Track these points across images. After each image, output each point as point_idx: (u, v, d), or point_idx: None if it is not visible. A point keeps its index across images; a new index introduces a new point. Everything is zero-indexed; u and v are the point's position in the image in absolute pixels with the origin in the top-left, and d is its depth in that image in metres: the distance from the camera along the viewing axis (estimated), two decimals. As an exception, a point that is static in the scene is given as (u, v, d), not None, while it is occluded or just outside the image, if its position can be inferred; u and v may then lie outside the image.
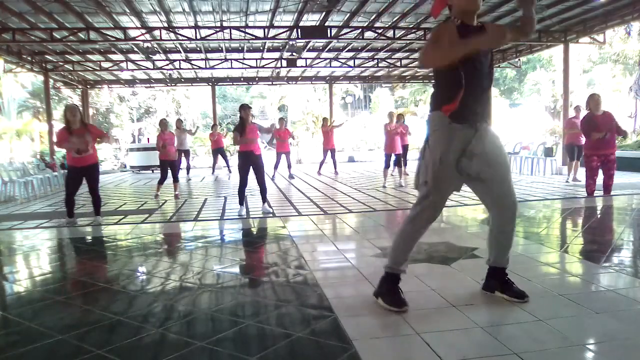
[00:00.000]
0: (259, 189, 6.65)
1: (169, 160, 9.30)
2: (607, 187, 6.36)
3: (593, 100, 6.30)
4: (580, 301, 2.46)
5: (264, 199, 6.65)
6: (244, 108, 6.65)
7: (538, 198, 7.53)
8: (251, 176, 6.64)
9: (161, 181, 9.16)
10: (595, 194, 6.56)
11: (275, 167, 12.14)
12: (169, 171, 9.43)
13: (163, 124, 9.52)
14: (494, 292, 2.55)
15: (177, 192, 9.19)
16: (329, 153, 13.04)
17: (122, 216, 7.07)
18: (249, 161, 6.50)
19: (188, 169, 13.34)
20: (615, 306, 2.40)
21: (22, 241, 4.91)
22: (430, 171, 2.38)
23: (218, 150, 13.90)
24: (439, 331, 2.15)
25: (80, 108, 18.89)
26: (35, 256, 4.18)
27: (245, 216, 6.52)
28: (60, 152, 16.14)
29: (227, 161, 13.91)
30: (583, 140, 7.17)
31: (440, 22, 2.50)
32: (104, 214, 6.48)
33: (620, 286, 2.77)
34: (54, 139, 5.97)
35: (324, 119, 13.87)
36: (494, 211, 2.49)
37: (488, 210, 2.53)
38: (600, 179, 6.53)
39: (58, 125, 19.69)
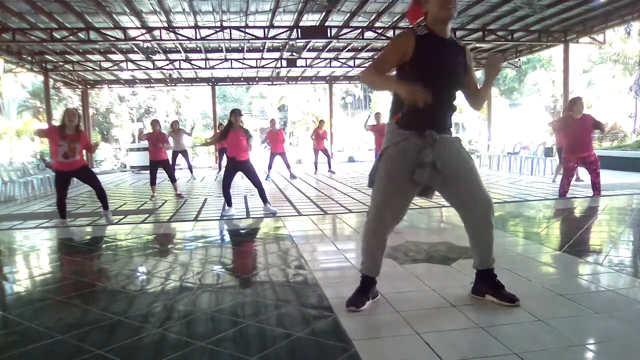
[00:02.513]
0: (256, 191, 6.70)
1: (159, 160, 9.24)
2: (595, 184, 6.38)
3: (576, 105, 6.36)
4: (580, 301, 2.46)
5: (264, 200, 6.66)
6: (233, 113, 6.75)
7: (538, 198, 7.54)
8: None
9: (152, 182, 9.14)
10: (568, 196, 6.60)
11: (269, 167, 12.16)
12: (164, 173, 9.43)
13: (154, 123, 9.53)
14: (484, 296, 2.51)
15: (178, 192, 9.18)
16: (320, 153, 13.13)
17: (122, 216, 7.07)
18: (233, 167, 6.63)
19: (190, 169, 13.33)
20: (615, 306, 2.40)
21: (22, 241, 4.91)
22: (378, 178, 2.45)
23: (224, 150, 13.87)
24: (439, 331, 2.15)
25: (80, 109, 18.96)
26: (35, 256, 4.18)
27: (245, 216, 6.52)
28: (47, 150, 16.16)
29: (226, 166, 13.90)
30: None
31: (401, 31, 2.50)
32: (103, 213, 6.46)
33: (620, 286, 2.77)
34: (59, 144, 5.97)
35: (321, 121, 13.94)
36: (462, 215, 2.50)
37: (459, 214, 2.54)
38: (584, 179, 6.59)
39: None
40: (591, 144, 6.41)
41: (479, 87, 2.56)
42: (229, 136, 6.59)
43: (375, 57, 2.53)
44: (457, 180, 2.42)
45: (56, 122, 17.22)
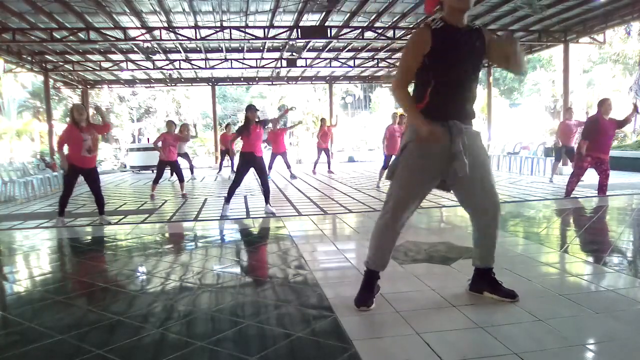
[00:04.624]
0: (262, 189, 6.70)
1: (168, 161, 9.30)
2: (602, 187, 6.37)
3: (605, 105, 6.33)
4: (580, 301, 2.46)
5: (267, 200, 6.67)
6: (251, 109, 6.67)
7: (538, 198, 7.54)
8: (251, 177, 6.70)
9: (156, 181, 9.18)
10: (574, 195, 6.60)
11: (269, 167, 12.16)
12: (172, 172, 9.47)
13: (169, 124, 9.61)
14: (482, 293, 2.55)
15: (184, 192, 9.22)
16: (323, 152, 13.11)
17: (122, 216, 7.07)
18: (250, 163, 6.53)
19: (191, 169, 13.35)
20: (615, 306, 2.40)
21: (22, 241, 4.91)
22: (400, 173, 2.41)
23: (227, 151, 13.87)
24: (439, 331, 2.15)
25: (83, 104, 19.07)
26: (35, 256, 4.17)
27: (245, 216, 6.52)
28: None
29: (233, 163, 13.95)
30: (573, 142, 7.24)
31: (416, 30, 2.46)
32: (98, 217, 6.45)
33: (620, 286, 2.77)
34: (54, 139, 5.98)
35: (322, 120, 13.92)
36: (473, 214, 2.51)
37: (467, 212, 2.55)
38: (592, 179, 6.58)
39: (58, 125, 19.78)
40: (610, 147, 6.40)
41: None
42: (251, 132, 6.50)
43: (398, 66, 2.52)
44: (473, 178, 2.39)
45: (55, 121, 17.24)
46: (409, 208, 2.44)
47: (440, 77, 2.35)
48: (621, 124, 6.43)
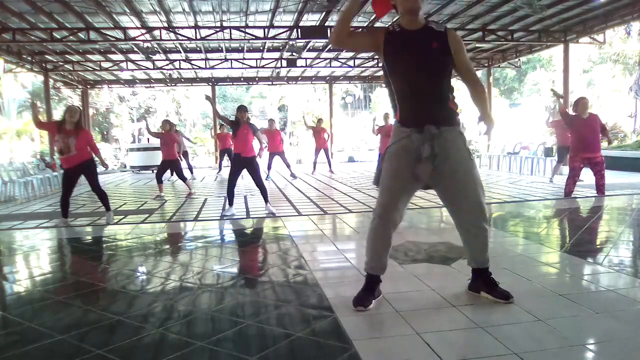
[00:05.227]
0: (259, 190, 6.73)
1: (169, 160, 9.31)
2: (599, 186, 6.37)
3: (580, 104, 6.35)
4: (580, 301, 2.46)
5: (266, 200, 6.69)
6: (240, 109, 6.77)
7: (538, 198, 7.54)
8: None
9: (159, 180, 9.19)
10: (574, 195, 6.60)
11: (268, 167, 12.17)
12: (172, 172, 9.47)
13: (164, 123, 9.62)
14: (480, 292, 2.55)
15: (191, 191, 9.20)
16: (322, 152, 13.15)
17: (122, 216, 7.07)
18: (240, 164, 6.60)
19: (190, 169, 13.35)
20: (615, 306, 2.40)
21: (22, 241, 4.91)
22: (383, 176, 2.46)
23: (225, 151, 13.86)
24: (439, 331, 2.15)
25: (80, 109, 19.06)
26: (35, 256, 4.17)
27: (245, 216, 6.52)
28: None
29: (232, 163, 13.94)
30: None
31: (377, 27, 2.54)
32: (105, 214, 6.45)
33: (620, 286, 2.76)
34: (55, 139, 6.01)
35: (319, 120, 13.99)
36: (453, 214, 2.51)
37: (450, 214, 2.55)
38: (591, 179, 6.58)
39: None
40: (598, 145, 6.34)
41: (470, 72, 2.50)
42: (238, 132, 6.56)
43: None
44: (452, 179, 2.41)
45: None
46: (396, 209, 2.44)
47: (400, 83, 2.40)
48: (603, 129, 6.42)
